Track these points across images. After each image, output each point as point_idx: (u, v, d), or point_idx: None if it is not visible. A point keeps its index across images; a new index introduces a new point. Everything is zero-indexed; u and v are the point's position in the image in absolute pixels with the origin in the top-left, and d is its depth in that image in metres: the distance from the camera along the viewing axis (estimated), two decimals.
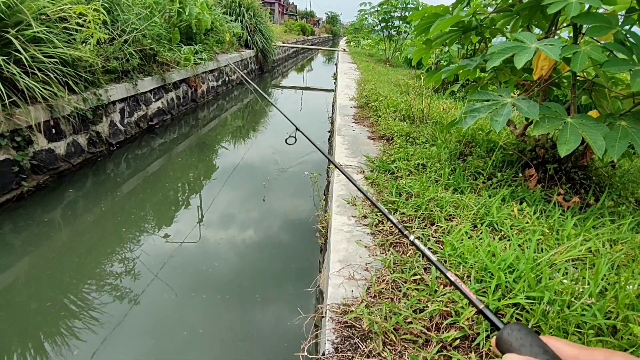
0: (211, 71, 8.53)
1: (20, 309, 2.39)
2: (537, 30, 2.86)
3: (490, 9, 3.21)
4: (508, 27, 3.00)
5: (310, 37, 29.77)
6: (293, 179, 4.72)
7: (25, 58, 3.28)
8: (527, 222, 1.91)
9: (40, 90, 3.39)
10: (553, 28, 2.45)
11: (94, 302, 2.45)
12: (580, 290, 1.35)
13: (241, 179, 4.65)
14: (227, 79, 9.74)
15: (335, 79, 9.06)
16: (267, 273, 2.83)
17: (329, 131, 6.40)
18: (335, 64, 14.28)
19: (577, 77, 2.24)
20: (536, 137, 2.88)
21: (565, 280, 1.37)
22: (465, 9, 2.72)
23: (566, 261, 1.58)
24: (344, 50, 17.05)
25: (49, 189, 3.74)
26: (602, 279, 1.43)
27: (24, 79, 3.25)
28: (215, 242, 3.20)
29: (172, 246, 3.07)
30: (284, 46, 16.85)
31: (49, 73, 3.53)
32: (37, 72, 3.39)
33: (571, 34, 3.15)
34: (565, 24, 2.61)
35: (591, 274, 1.46)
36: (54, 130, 3.83)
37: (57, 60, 3.66)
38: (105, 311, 2.36)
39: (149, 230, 3.36)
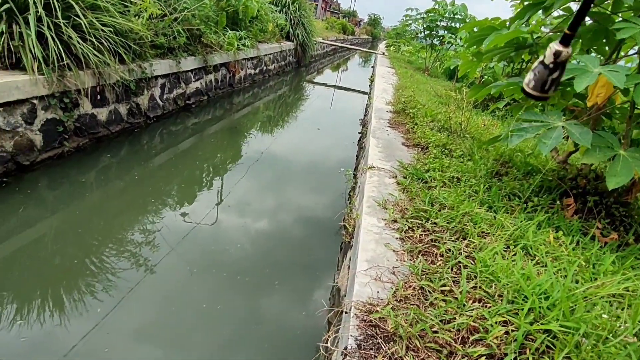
0: (251, 58, 8.62)
1: (45, 263, 2.49)
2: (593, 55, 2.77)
3: (544, 29, 3.13)
4: None
5: (350, 37, 29.70)
6: (316, 174, 4.73)
7: (84, 24, 3.39)
8: (563, 252, 1.85)
9: (94, 57, 3.50)
10: (614, 55, 2.36)
11: (113, 266, 2.52)
12: (618, 327, 1.30)
13: (266, 167, 4.68)
14: (264, 68, 9.83)
15: (372, 81, 9.01)
16: (281, 262, 2.85)
17: (359, 132, 6.37)
18: (372, 67, 14.21)
19: (635, 109, 2.16)
20: (579, 166, 2.80)
21: (604, 315, 1.32)
22: (523, 25, 2.65)
23: (602, 297, 1.52)
24: (383, 53, 16.94)
25: (87, 152, 3.87)
26: (639, 320, 1.37)
27: (80, 43, 3.37)
28: (235, 225, 3.24)
29: (189, 225, 3.12)
30: (323, 42, 16.87)
31: (102, 41, 3.64)
32: (93, 38, 3.50)
33: (629, 64, 3.03)
34: (626, 53, 2.52)
35: (629, 313, 1.40)
36: (98, 97, 3.96)
37: (111, 29, 3.77)
38: (122, 276, 2.43)
39: (171, 205, 3.43)
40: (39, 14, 3.19)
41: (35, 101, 3.21)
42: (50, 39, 3.20)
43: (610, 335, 1.25)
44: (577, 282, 1.62)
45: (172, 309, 2.23)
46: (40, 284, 2.30)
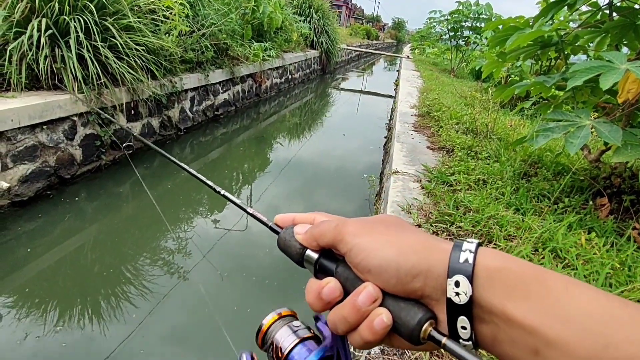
0: (276, 68, 8.80)
1: (85, 270, 2.64)
2: (625, 50, 2.68)
3: (572, 25, 3.04)
4: (591, 44, 2.83)
5: (374, 42, 29.69)
6: (343, 179, 4.76)
7: (120, 44, 3.60)
8: (595, 254, 1.79)
9: (128, 74, 3.71)
10: None
11: (149, 272, 2.64)
12: None
13: (293, 174, 4.76)
14: (290, 76, 10.00)
15: (397, 85, 8.98)
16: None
17: (385, 137, 6.36)
18: (397, 71, 14.14)
19: None
20: (613, 164, 2.69)
21: None
22: (547, 23, 2.60)
23: (638, 301, 1.47)
24: (408, 57, 16.83)
25: (122, 164, 4.08)
26: None
27: (116, 63, 3.58)
28: (264, 231, 3.30)
29: (220, 231, 3.21)
30: (347, 49, 16.96)
31: (135, 59, 3.84)
32: (127, 57, 3.71)
33: None
34: None
35: None
36: (132, 112, 4.17)
37: (143, 48, 3.97)
38: (157, 282, 2.54)
39: (203, 213, 3.55)
40: (80, 38, 3.42)
41: (75, 118, 3.43)
42: (89, 60, 3.42)
43: None
44: (610, 285, 1.57)
45: (205, 312, 2.32)
46: (81, 290, 2.44)
